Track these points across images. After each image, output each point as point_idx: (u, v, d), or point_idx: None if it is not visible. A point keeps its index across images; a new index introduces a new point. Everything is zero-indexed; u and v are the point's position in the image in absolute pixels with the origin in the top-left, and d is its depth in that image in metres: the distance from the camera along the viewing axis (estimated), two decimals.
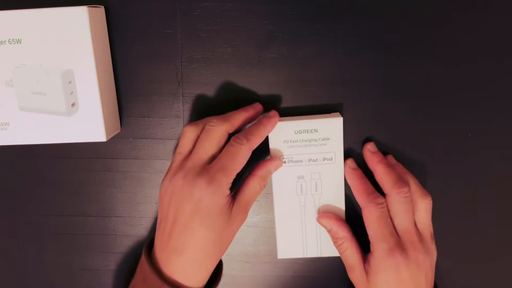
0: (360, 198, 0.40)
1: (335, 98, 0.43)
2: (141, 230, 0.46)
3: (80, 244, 0.47)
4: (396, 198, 0.38)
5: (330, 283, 0.46)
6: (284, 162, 0.41)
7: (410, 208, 0.39)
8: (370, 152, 0.41)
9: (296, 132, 0.40)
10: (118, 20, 0.42)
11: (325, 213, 0.41)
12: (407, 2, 0.41)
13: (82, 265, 0.47)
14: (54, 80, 0.38)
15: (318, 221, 0.41)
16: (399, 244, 0.38)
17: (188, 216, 0.35)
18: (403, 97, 0.42)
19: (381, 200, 0.39)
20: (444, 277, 0.45)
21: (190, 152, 0.38)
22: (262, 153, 0.44)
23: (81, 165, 0.45)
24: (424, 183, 0.44)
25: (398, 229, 0.39)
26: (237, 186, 0.39)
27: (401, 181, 0.39)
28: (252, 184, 0.38)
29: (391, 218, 0.39)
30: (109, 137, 0.40)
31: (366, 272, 0.39)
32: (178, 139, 0.43)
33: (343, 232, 0.40)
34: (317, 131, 0.40)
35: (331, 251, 0.42)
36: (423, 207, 0.39)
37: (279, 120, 0.40)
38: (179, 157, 0.38)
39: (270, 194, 0.44)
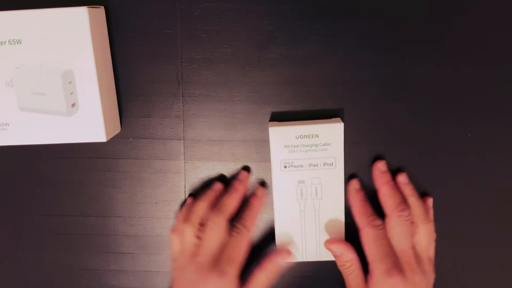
0: (359, 219, 0.41)
1: (335, 98, 0.43)
2: (141, 230, 0.46)
3: (80, 244, 0.47)
4: (396, 220, 0.40)
5: (331, 285, 0.46)
6: (285, 167, 0.41)
7: (409, 230, 0.40)
8: (379, 171, 0.42)
9: (297, 137, 0.40)
10: (118, 20, 0.42)
11: (332, 239, 0.42)
12: (407, 2, 0.41)
13: (82, 265, 0.47)
14: (54, 80, 0.38)
15: (328, 247, 0.42)
16: (396, 264, 0.38)
17: None
18: (403, 97, 0.42)
19: (379, 222, 0.40)
20: (444, 277, 0.45)
21: (195, 245, 0.40)
22: (264, 157, 0.44)
23: (81, 165, 0.45)
24: (424, 183, 0.44)
25: (396, 250, 0.39)
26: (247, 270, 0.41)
27: (403, 205, 0.40)
28: (259, 278, 0.40)
29: (390, 239, 0.40)
30: (109, 137, 0.40)
31: None
32: (175, 217, 0.45)
33: (352, 255, 0.41)
34: (318, 136, 0.40)
35: (329, 255, 0.42)
36: (424, 231, 0.40)
37: (281, 125, 0.40)
38: (186, 254, 0.40)
39: (270, 194, 0.44)
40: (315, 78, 0.42)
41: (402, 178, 0.42)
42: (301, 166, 0.41)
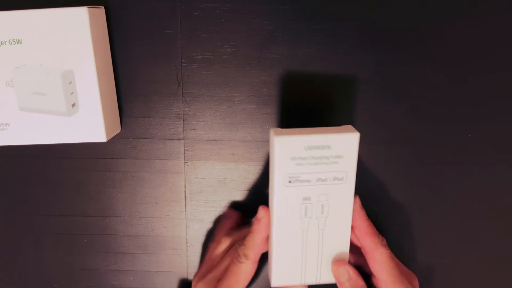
0: (370, 240, 0.37)
1: (335, 98, 0.43)
2: (141, 230, 0.46)
3: (80, 244, 0.47)
4: (386, 252, 0.37)
5: None
6: (290, 182, 0.36)
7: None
8: (358, 206, 0.38)
9: (306, 148, 0.35)
10: (118, 20, 0.42)
11: (339, 261, 0.38)
12: (407, 2, 0.41)
13: (82, 265, 0.47)
14: (54, 80, 0.38)
15: (336, 270, 0.37)
16: (411, 283, 0.37)
17: None
18: (403, 97, 0.42)
19: (385, 241, 0.38)
20: (444, 277, 0.45)
21: (218, 259, 0.40)
22: (264, 157, 0.44)
23: (81, 165, 0.45)
24: (424, 184, 0.44)
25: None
26: None
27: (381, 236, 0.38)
28: None
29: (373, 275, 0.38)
30: (109, 137, 0.40)
31: None
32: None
33: (361, 282, 0.37)
34: (330, 148, 0.35)
35: (330, 277, 0.38)
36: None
37: (287, 134, 0.35)
38: (209, 262, 0.41)
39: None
40: (315, 78, 0.42)
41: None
42: (308, 181, 0.35)
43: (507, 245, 0.45)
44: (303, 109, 0.43)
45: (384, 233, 0.44)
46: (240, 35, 0.42)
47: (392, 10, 0.41)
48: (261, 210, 0.37)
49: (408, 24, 0.41)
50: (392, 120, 0.43)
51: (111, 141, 0.44)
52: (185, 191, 0.45)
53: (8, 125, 0.39)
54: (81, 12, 0.37)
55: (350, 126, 0.36)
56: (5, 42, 0.37)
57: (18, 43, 0.37)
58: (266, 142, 0.43)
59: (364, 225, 0.38)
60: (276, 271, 0.38)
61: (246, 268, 0.37)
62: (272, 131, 0.35)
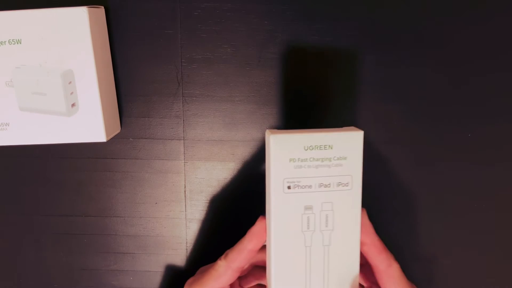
0: (384, 256, 0.34)
1: (335, 98, 0.43)
2: (141, 230, 0.46)
3: (80, 244, 0.47)
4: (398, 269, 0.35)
5: None
6: (289, 188, 0.32)
7: None
8: (366, 220, 0.35)
9: (306, 148, 0.31)
10: (118, 20, 0.42)
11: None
12: (407, 2, 0.41)
13: (82, 265, 0.47)
14: (54, 80, 0.38)
15: None
16: None
17: None
18: (403, 97, 0.42)
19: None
20: (444, 277, 0.45)
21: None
22: (264, 157, 0.44)
23: (81, 165, 0.45)
24: (424, 184, 0.44)
25: None
26: None
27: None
28: None
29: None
30: (109, 137, 0.40)
31: None
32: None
33: None
34: (332, 148, 0.32)
35: None
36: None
37: (286, 133, 0.31)
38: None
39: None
40: (315, 78, 0.42)
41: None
42: (310, 186, 0.32)
43: (507, 245, 0.45)
44: (303, 109, 0.43)
45: (384, 233, 0.44)
46: (240, 35, 0.42)
47: (392, 10, 0.41)
48: (258, 223, 0.34)
49: (408, 24, 0.41)
50: (392, 120, 0.43)
51: (111, 141, 0.44)
52: (185, 191, 0.45)
53: (8, 125, 0.39)
54: (81, 12, 0.37)
55: (353, 127, 0.33)
56: (5, 42, 0.37)
57: (18, 43, 0.37)
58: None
59: (377, 242, 0.34)
60: None
61: (220, 268, 0.35)
62: (267, 131, 0.32)
